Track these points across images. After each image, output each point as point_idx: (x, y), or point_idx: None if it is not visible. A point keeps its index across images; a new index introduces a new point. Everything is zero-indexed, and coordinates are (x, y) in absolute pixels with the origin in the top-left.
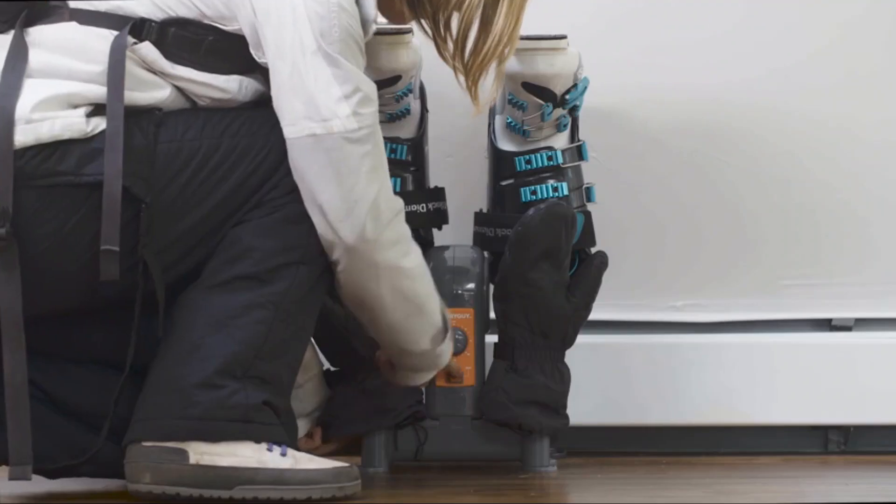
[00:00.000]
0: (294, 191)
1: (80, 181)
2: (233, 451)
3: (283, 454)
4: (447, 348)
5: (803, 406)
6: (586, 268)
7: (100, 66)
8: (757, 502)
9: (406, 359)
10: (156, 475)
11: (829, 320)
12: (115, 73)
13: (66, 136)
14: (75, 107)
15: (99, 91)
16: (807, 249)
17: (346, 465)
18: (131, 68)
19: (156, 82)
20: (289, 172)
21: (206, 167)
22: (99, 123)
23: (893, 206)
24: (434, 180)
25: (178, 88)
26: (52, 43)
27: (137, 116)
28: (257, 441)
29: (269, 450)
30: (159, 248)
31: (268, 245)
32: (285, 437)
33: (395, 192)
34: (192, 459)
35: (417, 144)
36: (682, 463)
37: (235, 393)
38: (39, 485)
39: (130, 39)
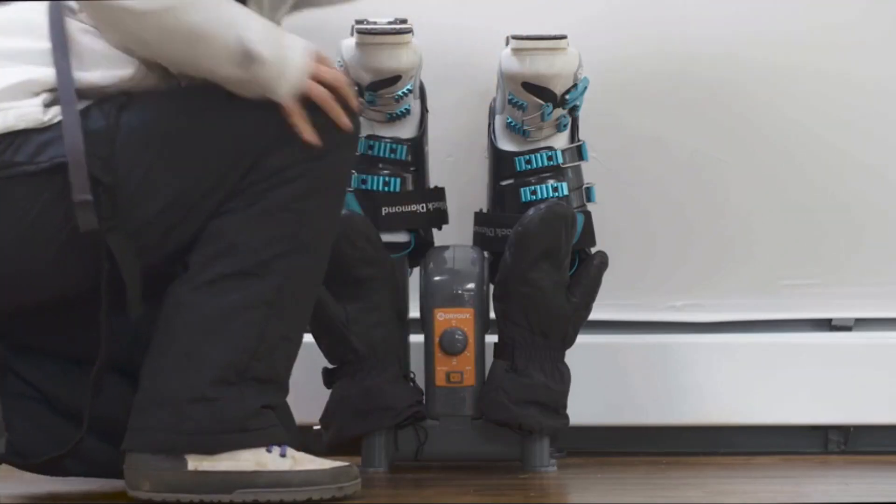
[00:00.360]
0: (274, 175)
1: (38, 168)
2: (231, 455)
3: (283, 454)
4: (268, 64)
5: (803, 406)
6: (586, 268)
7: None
8: (757, 502)
9: (224, 82)
10: (155, 483)
11: (829, 320)
12: (58, 42)
13: (22, 125)
14: (36, 94)
15: (54, 75)
16: (807, 249)
17: (345, 464)
18: (89, 43)
19: (118, 58)
20: (266, 155)
21: (172, 147)
22: (59, 112)
23: (893, 207)
24: (434, 180)
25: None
26: None
27: (100, 102)
28: (255, 446)
29: (269, 450)
30: (132, 231)
31: (254, 239)
32: (284, 437)
33: (395, 193)
34: (191, 466)
35: (417, 144)
36: (682, 463)
37: (231, 403)
38: (39, 485)
39: (70, 4)
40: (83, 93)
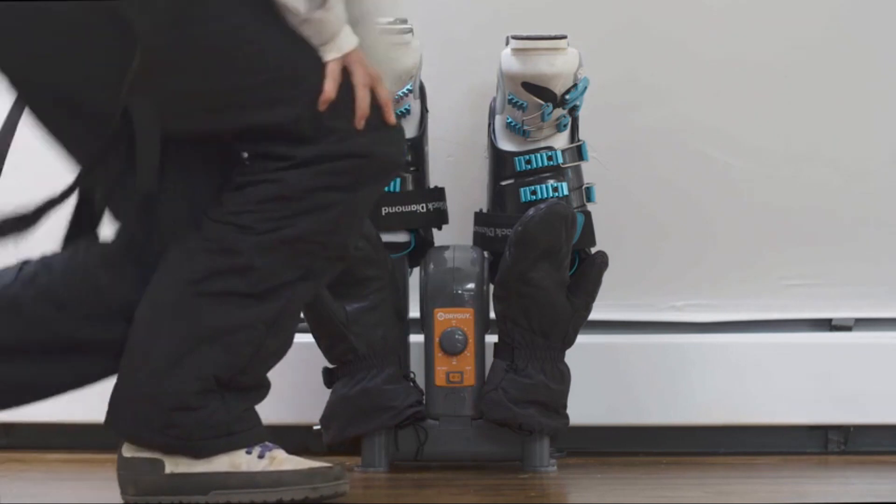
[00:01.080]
0: (304, 198)
1: None
2: (208, 457)
3: (261, 456)
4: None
5: (803, 406)
6: (586, 268)
7: None
8: (757, 502)
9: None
10: (137, 488)
11: (829, 320)
12: None
13: None
14: None
15: None
16: (807, 249)
17: (326, 465)
18: None
19: None
20: (300, 144)
21: (231, 47)
22: None
23: (893, 207)
24: (434, 180)
25: None
26: None
27: None
28: (241, 447)
29: (248, 452)
30: (161, 99)
31: (270, 264)
32: (267, 435)
33: (395, 192)
34: (168, 469)
35: (417, 144)
36: (682, 463)
37: (215, 411)
38: (38, 485)
39: None
40: None
